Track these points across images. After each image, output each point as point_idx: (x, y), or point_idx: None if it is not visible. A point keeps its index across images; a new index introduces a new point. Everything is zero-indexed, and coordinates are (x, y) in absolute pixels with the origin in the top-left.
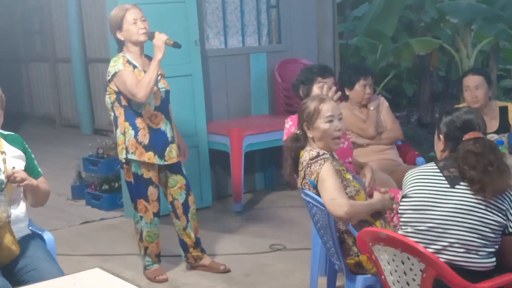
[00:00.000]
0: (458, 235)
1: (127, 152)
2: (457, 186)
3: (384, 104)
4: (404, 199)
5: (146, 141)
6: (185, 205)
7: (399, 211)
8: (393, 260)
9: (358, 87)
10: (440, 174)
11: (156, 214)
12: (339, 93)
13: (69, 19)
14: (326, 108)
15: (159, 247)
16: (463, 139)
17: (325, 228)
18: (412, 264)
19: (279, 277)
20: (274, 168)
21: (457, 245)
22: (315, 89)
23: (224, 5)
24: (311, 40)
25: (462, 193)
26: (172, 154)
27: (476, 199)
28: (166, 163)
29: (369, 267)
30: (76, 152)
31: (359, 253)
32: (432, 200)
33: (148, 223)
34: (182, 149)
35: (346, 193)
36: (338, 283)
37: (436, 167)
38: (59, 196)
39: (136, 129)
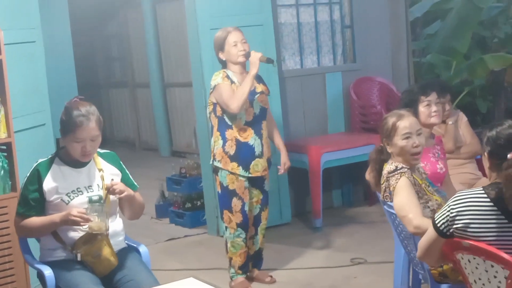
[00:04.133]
0: None
1: (214, 159)
2: None
3: (463, 119)
4: (461, 231)
5: (232, 152)
6: (257, 218)
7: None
8: (477, 268)
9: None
10: (495, 208)
11: (240, 225)
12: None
13: (147, 46)
14: (403, 125)
15: (244, 259)
16: (508, 158)
17: (409, 239)
18: (496, 272)
19: None
20: (352, 185)
21: None
22: (422, 109)
23: (299, 27)
24: (385, 59)
25: None
26: (257, 167)
27: None
28: (250, 175)
29: (453, 277)
30: (157, 173)
31: (442, 263)
32: (496, 240)
33: (231, 234)
34: (283, 161)
35: (428, 207)
36: None
37: (487, 199)
38: (143, 215)
39: (224, 140)
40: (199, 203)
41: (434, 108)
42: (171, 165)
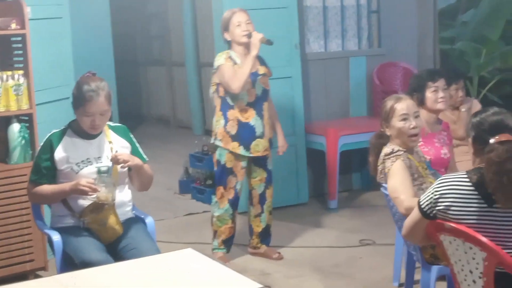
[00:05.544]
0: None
1: (215, 138)
2: (494, 205)
3: (477, 106)
4: (443, 213)
5: (233, 131)
6: (262, 196)
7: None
8: (457, 250)
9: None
10: (476, 193)
11: (230, 201)
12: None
13: (184, 25)
14: (400, 107)
15: (228, 234)
16: (490, 142)
17: (402, 220)
18: (474, 253)
19: (366, 269)
20: None
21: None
22: (428, 95)
23: (325, 10)
24: (411, 45)
25: (501, 212)
26: (258, 148)
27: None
28: (251, 155)
29: (444, 259)
30: (186, 150)
31: (426, 243)
32: (476, 223)
33: (220, 208)
34: (281, 144)
35: (422, 189)
36: (417, 277)
37: (469, 183)
38: (167, 190)
39: (226, 120)
40: None
41: (441, 94)
42: (194, 143)
